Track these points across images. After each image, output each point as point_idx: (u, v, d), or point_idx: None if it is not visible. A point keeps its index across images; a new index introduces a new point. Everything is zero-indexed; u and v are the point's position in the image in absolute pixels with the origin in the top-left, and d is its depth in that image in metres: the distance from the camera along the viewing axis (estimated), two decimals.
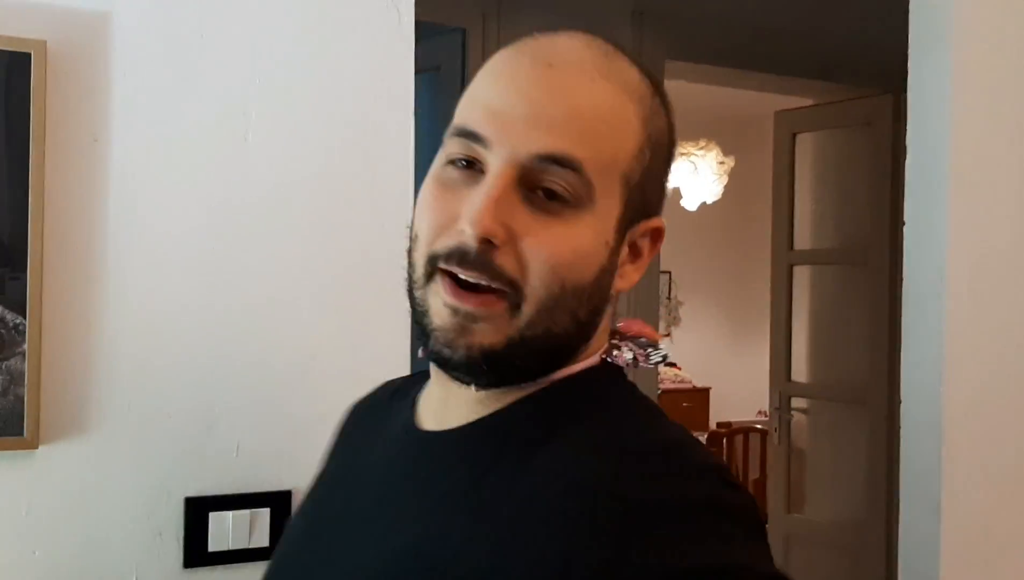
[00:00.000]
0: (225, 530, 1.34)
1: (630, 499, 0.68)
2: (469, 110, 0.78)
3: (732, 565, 0.66)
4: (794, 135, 4.10)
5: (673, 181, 5.78)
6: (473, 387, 0.78)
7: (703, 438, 5.99)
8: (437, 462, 0.80)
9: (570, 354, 0.79)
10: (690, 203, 6.06)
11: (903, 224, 2.06)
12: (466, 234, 0.73)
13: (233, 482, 1.36)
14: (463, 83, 0.86)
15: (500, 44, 0.89)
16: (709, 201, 6.07)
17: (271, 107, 1.40)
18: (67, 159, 1.28)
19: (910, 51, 2.08)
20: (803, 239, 4.13)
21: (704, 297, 7.68)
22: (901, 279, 3.64)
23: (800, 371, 4.13)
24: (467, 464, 0.77)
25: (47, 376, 1.26)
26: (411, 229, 0.80)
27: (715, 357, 7.69)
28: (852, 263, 3.95)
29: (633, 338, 0.84)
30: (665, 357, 0.85)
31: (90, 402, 1.29)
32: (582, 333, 0.79)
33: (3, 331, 1.23)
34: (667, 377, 7.06)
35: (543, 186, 0.74)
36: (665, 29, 3.36)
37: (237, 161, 1.38)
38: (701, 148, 5.85)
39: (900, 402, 3.65)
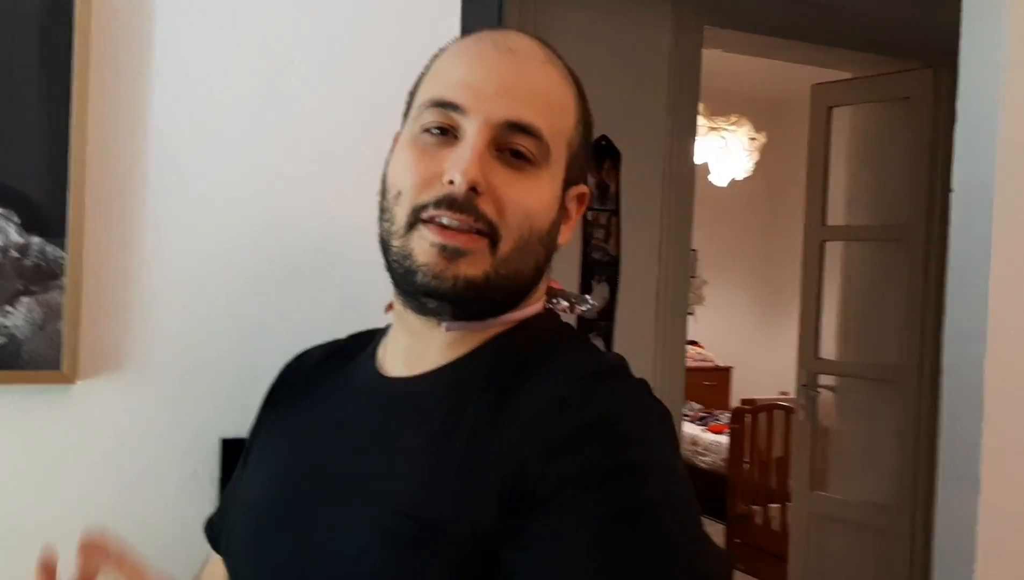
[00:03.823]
0: None
1: (583, 410, 0.81)
2: (442, 86, 0.90)
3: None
4: (830, 109, 4.03)
5: (702, 156, 5.71)
6: (444, 326, 0.90)
7: (725, 415, 5.96)
8: (417, 402, 0.89)
9: (525, 295, 0.93)
10: (719, 179, 6.00)
11: (951, 191, 2.02)
12: (456, 183, 0.85)
13: None
14: None
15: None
16: (739, 177, 6.01)
17: (316, 38, 1.37)
18: (110, 91, 1.26)
19: (962, 18, 2.02)
20: (836, 215, 4.07)
21: (728, 276, 7.62)
22: (936, 258, 3.62)
23: (828, 349, 4.08)
24: (450, 398, 0.87)
25: (86, 310, 1.24)
26: (386, 190, 0.92)
27: (738, 337, 7.64)
28: (886, 240, 3.89)
29: (561, 292, 0.99)
30: (591, 307, 1.00)
31: (128, 339, 1.27)
32: (536, 277, 0.93)
33: (42, 263, 1.21)
34: (689, 355, 7.03)
35: (511, 147, 0.88)
36: None
37: (281, 93, 1.35)
38: (732, 123, 5.79)
39: (931, 381, 3.63)
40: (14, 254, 1.19)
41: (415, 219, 0.88)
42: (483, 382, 0.87)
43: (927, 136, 3.71)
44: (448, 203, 0.86)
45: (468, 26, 1.62)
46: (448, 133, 0.88)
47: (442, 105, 0.88)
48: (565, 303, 0.98)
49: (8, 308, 1.19)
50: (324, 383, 1.02)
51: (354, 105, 1.39)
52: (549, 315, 0.97)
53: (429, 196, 0.87)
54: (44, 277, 1.21)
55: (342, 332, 1.32)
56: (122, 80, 1.27)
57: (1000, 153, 1.97)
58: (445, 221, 0.86)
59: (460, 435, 0.84)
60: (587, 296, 1.00)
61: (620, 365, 0.88)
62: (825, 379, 4.09)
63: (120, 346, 1.27)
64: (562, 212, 0.93)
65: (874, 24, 3.53)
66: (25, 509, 1.24)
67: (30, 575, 1.24)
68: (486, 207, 0.86)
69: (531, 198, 0.88)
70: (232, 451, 1.32)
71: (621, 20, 3.22)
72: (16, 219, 1.20)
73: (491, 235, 0.87)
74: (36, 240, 1.21)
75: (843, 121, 4.06)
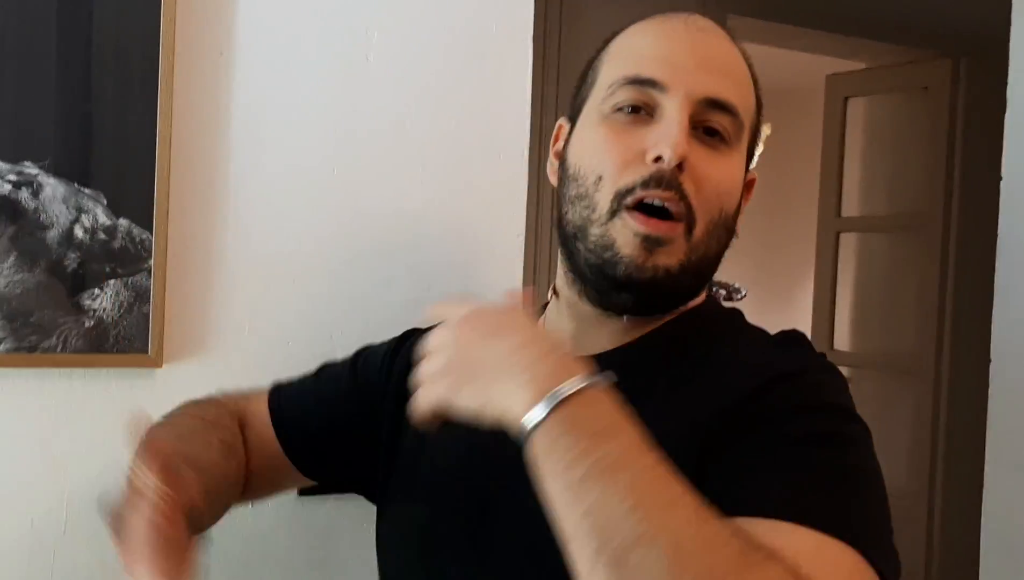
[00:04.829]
0: None
1: (774, 367, 0.81)
2: (636, 63, 0.87)
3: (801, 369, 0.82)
4: (846, 99, 4.02)
5: None
6: (624, 319, 0.88)
7: None
8: None
9: (703, 285, 0.91)
10: None
11: (1000, 179, 2.01)
12: (666, 158, 0.82)
13: None
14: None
15: None
16: None
17: (393, 28, 1.35)
18: (194, 71, 1.24)
19: (1013, 4, 2.02)
20: (849, 206, 4.07)
21: (731, 269, 7.61)
22: (954, 247, 3.63)
23: (841, 341, 4.09)
24: (629, 378, 0.82)
25: (171, 293, 1.22)
26: (579, 176, 0.87)
27: None
28: (903, 230, 3.89)
29: (719, 282, 1.00)
30: (745, 295, 1.04)
31: (212, 323, 1.26)
32: (717, 264, 0.90)
33: (129, 246, 1.19)
34: None
35: (707, 125, 0.85)
36: None
37: (358, 81, 1.34)
38: None
39: (948, 371, 3.64)
40: (102, 236, 1.17)
41: (618, 205, 0.84)
42: (660, 361, 0.87)
43: (945, 126, 3.71)
44: (656, 181, 0.83)
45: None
46: (642, 111, 0.86)
47: (639, 82, 0.85)
48: (723, 292, 0.98)
49: (96, 290, 1.17)
50: None
51: (433, 77, 1.38)
52: (713, 302, 0.96)
53: (633, 177, 0.84)
54: (131, 259, 1.19)
55: (419, 316, 1.31)
56: (207, 66, 1.25)
57: None
58: (655, 202, 0.83)
59: (643, 408, 0.81)
60: (740, 285, 1.00)
61: (801, 335, 0.89)
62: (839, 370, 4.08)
63: (205, 330, 1.25)
64: (741, 195, 0.91)
65: (893, 13, 3.53)
66: (111, 491, 1.22)
67: (111, 557, 1.22)
68: (688, 185, 0.84)
69: (726, 178, 0.86)
70: None
71: (646, 10, 3.20)
72: (103, 200, 1.18)
73: (687, 219, 0.84)
74: (123, 222, 1.19)
75: (857, 111, 4.05)
